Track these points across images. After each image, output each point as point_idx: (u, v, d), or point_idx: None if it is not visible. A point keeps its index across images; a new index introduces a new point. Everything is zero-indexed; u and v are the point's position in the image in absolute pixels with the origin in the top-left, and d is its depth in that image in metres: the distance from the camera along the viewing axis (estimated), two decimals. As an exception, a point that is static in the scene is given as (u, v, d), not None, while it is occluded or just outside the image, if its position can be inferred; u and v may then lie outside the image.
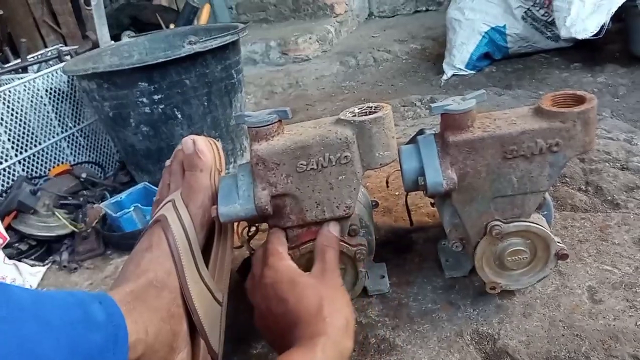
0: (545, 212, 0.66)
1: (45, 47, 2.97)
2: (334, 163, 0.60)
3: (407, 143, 0.69)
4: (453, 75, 1.81)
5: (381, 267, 0.76)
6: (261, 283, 0.59)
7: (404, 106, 1.57)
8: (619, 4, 1.39)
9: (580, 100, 0.58)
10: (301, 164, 0.60)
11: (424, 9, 2.91)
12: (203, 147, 0.67)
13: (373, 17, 3.03)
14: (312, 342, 0.49)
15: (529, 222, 0.61)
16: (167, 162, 0.70)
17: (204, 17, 1.78)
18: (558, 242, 0.62)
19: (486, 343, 0.63)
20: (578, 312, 0.64)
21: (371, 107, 0.63)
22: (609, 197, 0.86)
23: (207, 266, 0.63)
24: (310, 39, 2.38)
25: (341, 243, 0.64)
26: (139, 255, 0.62)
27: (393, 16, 2.96)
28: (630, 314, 0.62)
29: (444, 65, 1.84)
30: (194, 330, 0.60)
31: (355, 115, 0.62)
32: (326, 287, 0.55)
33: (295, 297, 0.54)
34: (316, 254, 0.61)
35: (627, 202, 0.84)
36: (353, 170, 0.61)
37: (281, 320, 0.55)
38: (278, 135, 0.62)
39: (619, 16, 1.45)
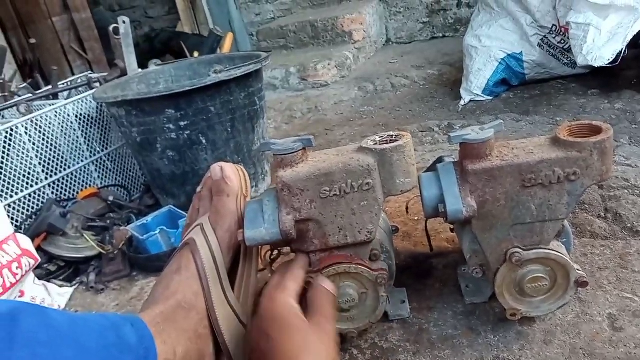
0: (565, 240, 0.67)
1: (72, 72, 3.07)
2: (356, 189, 0.62)
3: (427, 170, 0.71)
4: (470, 101, 1.82)
5: (402, 292, 0.77)
6: (258, 313, 0.59)
7: (422, 132, 1.59)
8: (635, 32, 1.40)
9: (596, 130, 0.59)
10: (324, 190, 0.62)
11: (440, 35, 2.95)
12: (230, 174, 0.70)
13: (390, 43, 3.07)
14: None
15: (549, 249, 0.62)
16: (198, 189, 0.73)
17: (227, 45, 1.84)
18: (578, 270, 0.62)
19: (507, 369, 0.63)
20: (599, 339, 0.64)
21: (392, 135, 0.66)
22: (629, 225, 0.86)
23: (232, 289, 0.65)
24: (329, 65, 2.42)
25: (363, 267, 0.66)
26: (168, 277, 0.64)
27: (410, 42, 3.01)
28: (651, 342, 0.62)
29: (462, 91, 1.85)
30: (219, 351, 0.62)
31: (376, 144, 0.64)
32: (316, 336, 0.55)
33: (281, 337, 0.54)
34: (313, 304, 0.60)
35: (647, 230, 0.84)
36: (374, 197, 0.63)
37: (262, 357, 0.55)
38: (302, 163, 0.64)
39: (635, 43, 1.47)
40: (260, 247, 0.72)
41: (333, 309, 0.60)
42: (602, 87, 1.66)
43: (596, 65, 1.42)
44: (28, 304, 0.47)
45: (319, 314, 0.58)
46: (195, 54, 1.77)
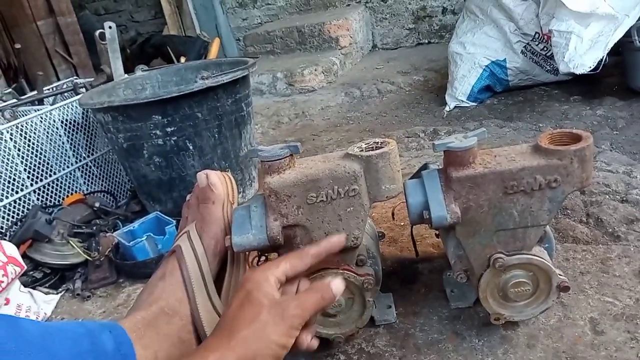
0: (547, 245, 0.68)
1: (57, 76, 3.04)
2: (342, 195, 0.63)
3: (412, 177, 0.72)
4: (455, 107, 1.84)
5: (388, 297, 0.78)
6: (241, 280, 0.57)
7: (407, 137, 1.60)
8: (616, 40, 1.43)
9: (576, 138, 0.61)
10: (311, 196, 0.63)
11: (426, 41, 2.98)
12: (215, 181, 0.70)
13: (377, 49, 3.10)
14: (205, 356, 0.48)
15: (531, 254, 0.63)
16: (188, 197, 0.73)
17: (213, 50, 1.84)
18: (560, 274, 0.64)
19: (491, 373, 0.64)
20: (580, 343, 0.65)
21: (377, 142, 0.66)
22: (610, 230, 0.88)
23: (220, 295, 0.65)
24: (315, 70, 2.43)
25: (349, 272, 0.66)
26: (153, 284, 0.64)
27: (396, 48, 3.03)
28: (631, 345, 0.64)
29: (446, 97, 1.88)
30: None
31: (362, 150, 0.65)
32: (270, 317, 0.51)
33: (236, 305, 0.52)
34: (305, 290, 0.57)
35: (628, 235, 0.86)
36: (361, 203, 0.63)
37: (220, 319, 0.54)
38: (289, 169, 0.65)
39: (615, 50, 1.50)
40: (247, 253, 0.72)
41: (318, 305, 0.55)
42: (584, 93, 1.69)
43: (577, 72, 1.45)
44: None
45: (294, 300, 0.54)
46: (182, 60, 1.77)
